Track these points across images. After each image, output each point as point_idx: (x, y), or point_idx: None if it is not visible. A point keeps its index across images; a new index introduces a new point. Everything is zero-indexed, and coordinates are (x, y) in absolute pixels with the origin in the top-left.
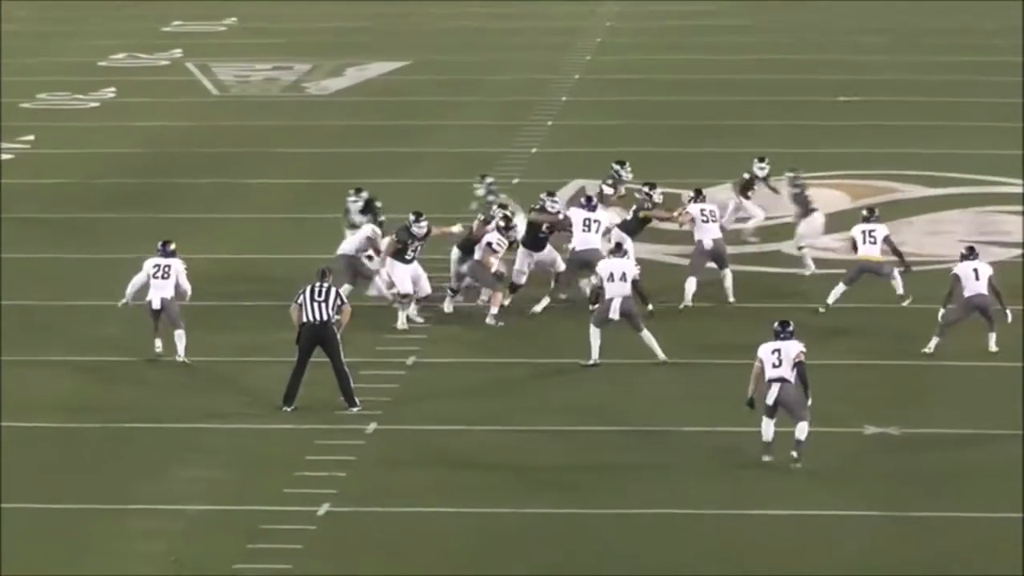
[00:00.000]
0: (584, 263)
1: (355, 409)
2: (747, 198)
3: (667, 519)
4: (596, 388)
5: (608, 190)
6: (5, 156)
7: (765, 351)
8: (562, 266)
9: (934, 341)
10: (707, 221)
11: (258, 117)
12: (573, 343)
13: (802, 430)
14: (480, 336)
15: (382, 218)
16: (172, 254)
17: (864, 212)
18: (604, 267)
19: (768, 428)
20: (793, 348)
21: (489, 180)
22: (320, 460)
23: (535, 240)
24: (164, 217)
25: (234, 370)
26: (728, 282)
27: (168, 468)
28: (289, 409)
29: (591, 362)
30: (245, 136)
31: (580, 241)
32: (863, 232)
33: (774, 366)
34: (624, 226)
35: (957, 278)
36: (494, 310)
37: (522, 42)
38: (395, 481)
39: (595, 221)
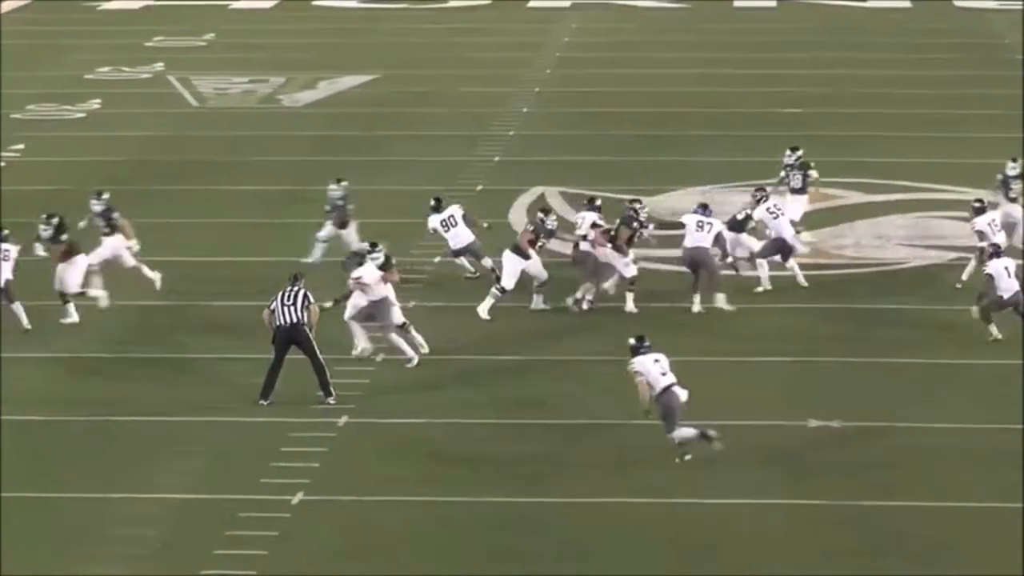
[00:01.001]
0: (693, 261)
1: (332, 400)
2: (1011, 200)
3: (629, 507)
4: (555, 382)
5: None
6: None
7: (646, 363)
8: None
9: (993, 328)
10: (776, 217)
11: (236, 128)
12: (536, 339)
13: (692, 430)
14: (445, 334)
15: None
16: (6, 239)
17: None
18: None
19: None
20: (663, 356)
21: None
22: (294, 451)
23: (525, 251)
24: (147, 222)
25: (212, 367)
26: (796, 269)
27: (151, 459)
28: (266, 403)
29: (358, 352)
30: (223, 145)
31: (692, 240)
32: (990, 223)
33: (663, 374)
34: (732, 224)
35: (991, 277)
36: (590, 297)
37: (485, 57)
38: (365, 471)
39: (708, 223)
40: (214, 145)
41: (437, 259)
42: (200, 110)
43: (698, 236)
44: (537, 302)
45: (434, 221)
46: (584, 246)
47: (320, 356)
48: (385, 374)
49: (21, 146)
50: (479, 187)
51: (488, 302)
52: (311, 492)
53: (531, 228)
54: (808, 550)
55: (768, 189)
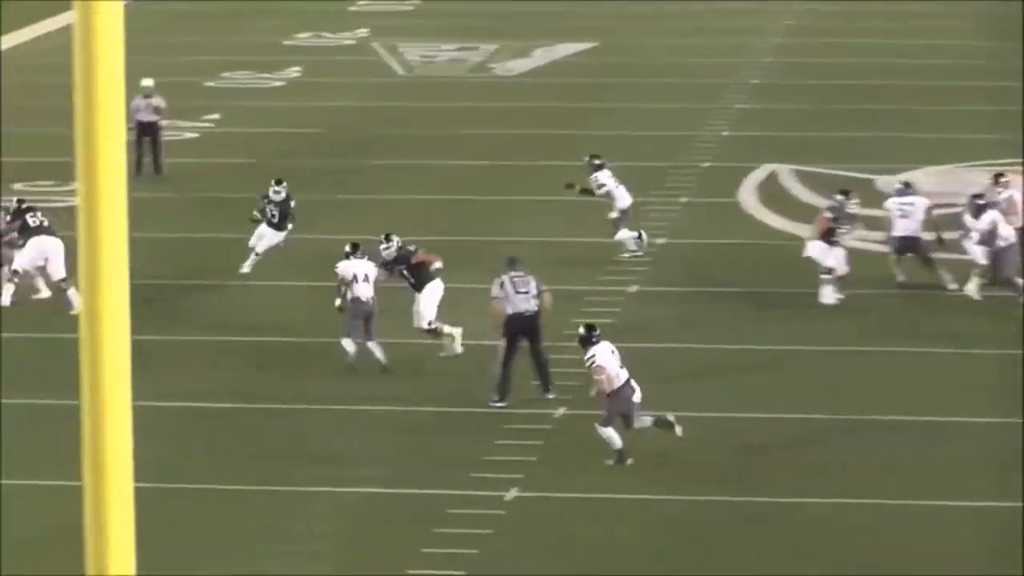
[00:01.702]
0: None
1: (551, 395)
2: None
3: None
4: (782, 375)
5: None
6: (190, 135)
7: (605, 355)
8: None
9: None
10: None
11: (444, 98)
12: (763, 333)
13: (646, 420)
14: (673, 321)
15: None
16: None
17: None
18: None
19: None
20: (615, 348)
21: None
22: (509, 444)
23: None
24: (346, 198)
25: (420, 355)
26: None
27: (352, 451)
28: (504, 403)
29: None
30: (430, 117)
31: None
32: None
33: (621, 367)
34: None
35: None
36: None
37: (710, 25)
38: (583, 466)
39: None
40: (421, 116)
41: (661, 240)
42: (406, 79)
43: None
44: (827, 294)
45: (605, 177)
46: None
47: (543, 347)
48: None
49: (216, 116)
50: (705, 164)
51: (827, 288)
52: (526, 488)
53: (829, 215)
54: None
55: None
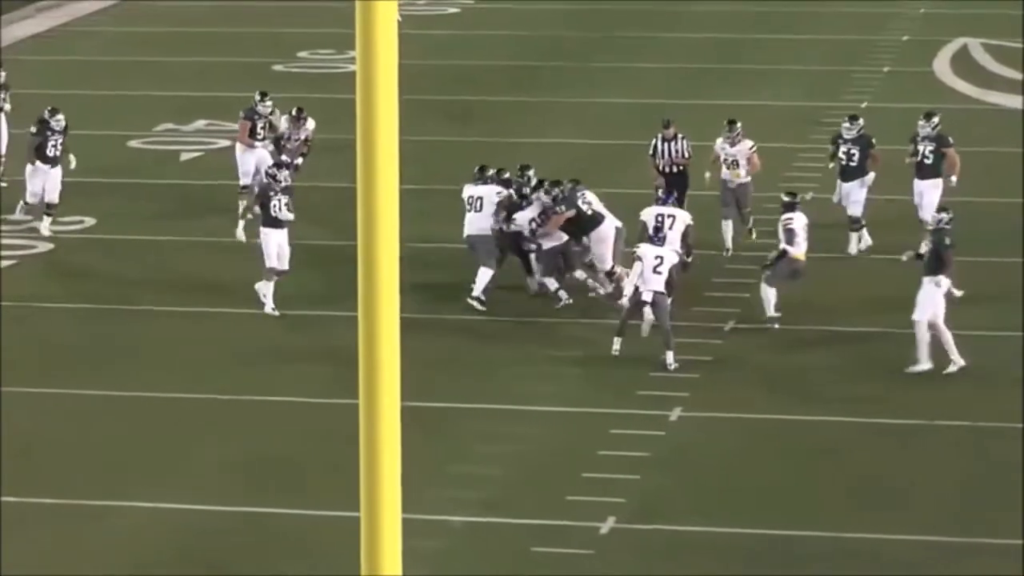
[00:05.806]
0: None
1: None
2: None
3: None
4: None
5: None
6: None
7: (648, 254)
8: None
9: None
10: None
11: None
12: None
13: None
14: None
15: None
16: None
17: None
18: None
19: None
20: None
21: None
22: None
23: None
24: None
25: None
26: None
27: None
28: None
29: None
30: None
31: None
32: None
33: (655, 271)
34: None
35: None
36: None
37: None
38: None
39: None
40: None
41: None
42: None
43: None
44: None
45: None
46: None
47: None
48: None
49: None
50: (904, 37)
51: None
52: None
53: None
54: None
55: None
